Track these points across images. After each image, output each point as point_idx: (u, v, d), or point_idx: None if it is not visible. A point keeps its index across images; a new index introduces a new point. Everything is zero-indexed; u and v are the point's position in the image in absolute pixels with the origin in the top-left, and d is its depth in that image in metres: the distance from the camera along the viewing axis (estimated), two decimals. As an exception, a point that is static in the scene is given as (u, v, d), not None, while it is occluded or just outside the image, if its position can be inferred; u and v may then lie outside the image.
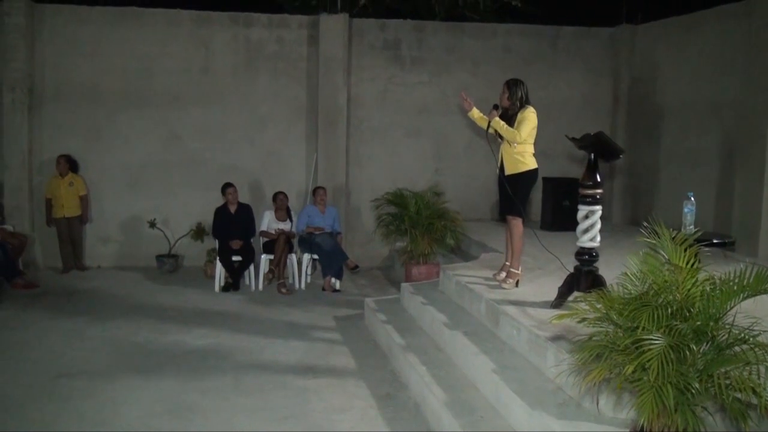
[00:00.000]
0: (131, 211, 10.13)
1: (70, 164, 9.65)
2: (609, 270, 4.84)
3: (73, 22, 9.83)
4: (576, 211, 5.30)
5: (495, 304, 5.52)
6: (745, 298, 3.15)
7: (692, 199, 5.09)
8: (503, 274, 6.22)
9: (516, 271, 6.13)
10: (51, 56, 9.82)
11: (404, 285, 7.45)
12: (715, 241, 5.19)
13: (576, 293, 5.12)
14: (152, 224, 9.82)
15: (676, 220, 4.98)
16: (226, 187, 9.17)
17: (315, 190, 9.47)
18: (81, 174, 9.83)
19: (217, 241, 9.06)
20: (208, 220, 9.42)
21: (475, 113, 6.24)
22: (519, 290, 5.99)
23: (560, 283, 5.40)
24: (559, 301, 5.27)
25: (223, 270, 8.90)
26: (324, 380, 5.66)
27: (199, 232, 9.83)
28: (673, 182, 9.48)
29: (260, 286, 8.94)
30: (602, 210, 5.29)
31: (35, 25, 9.72)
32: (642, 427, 3.16)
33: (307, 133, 10.39)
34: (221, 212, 9.11)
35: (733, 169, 8.31)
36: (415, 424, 4.84)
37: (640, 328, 3.02)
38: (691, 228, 4.94)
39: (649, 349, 2.92)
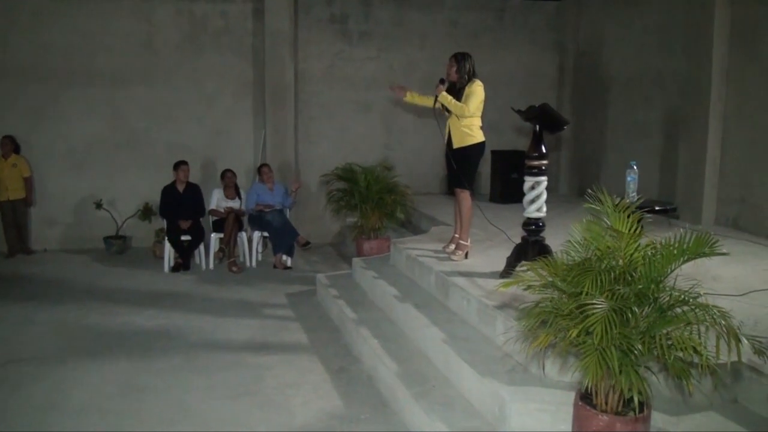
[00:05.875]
0: (77, 192, 9.90)
1: (13, 145, 9.39)
2: (556, 239, 4.91)
3: (10, -4, 9.49)
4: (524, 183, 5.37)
5: (445, 276, 5.59)
6: (685, 261, 3.22)
7: (635, 167, 5.20)
8: (452, 246, 6.29)
9: (465, 243, 6.20)
10: (-12, 33, 9.49)
11: (356, 260, 7.48)
12: (657, 208, 5.30)
13: (524, 262, 5.20)
14: (98, 205, 9.65)
15: (622, 189, 5.08)
16: (180, 164, 9.03)
17: (260, 168, 9.38)
18: (24, 155, 9.57)
19: (165, 221, 8.94)
20: (155, 199, 9.25)
21: (410, 96, 6.33)
22: (468, 262, 6.07)
23: (509, 253, 5.49)
24: (508, 270, 5.35)
25: (173, 250, 8.79)
26: (277, 357, 5.67)
27: (146, 212, 9.68)
28: (619, 153, 9.64)
29: (211, 265, 8.87)
30: (549, 181, 5.39)
31: (-30, 1, 9.39)
32: (587, 388, 3.24)
33: (254, 110, 10.26)
34: (169, 191, 8.98)
35: (677, 139, 8.48)
36: (368, 395, 4.88)
37: (584, 293, 3.08)
38: (634, 196, 5.05)
39: (593, 313, 2.99)
